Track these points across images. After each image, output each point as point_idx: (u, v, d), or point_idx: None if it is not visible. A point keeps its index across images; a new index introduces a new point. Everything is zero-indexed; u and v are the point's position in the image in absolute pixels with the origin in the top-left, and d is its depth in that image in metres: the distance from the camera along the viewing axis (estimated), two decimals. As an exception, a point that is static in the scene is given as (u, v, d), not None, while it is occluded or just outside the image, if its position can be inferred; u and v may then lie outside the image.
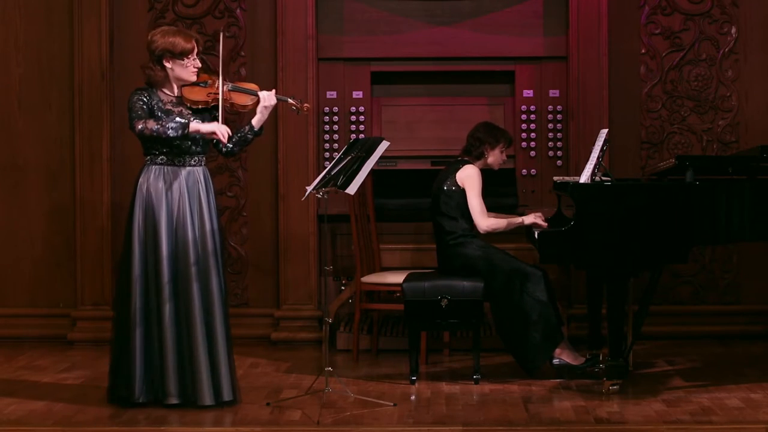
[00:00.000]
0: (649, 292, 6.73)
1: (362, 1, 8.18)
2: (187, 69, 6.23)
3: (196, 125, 6.12)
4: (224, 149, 6.33)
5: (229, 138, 6.24)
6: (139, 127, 6.12)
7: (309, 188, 6.43)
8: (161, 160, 6.23)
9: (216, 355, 6.16)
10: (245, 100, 6.30)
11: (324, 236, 8.05)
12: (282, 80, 8.06)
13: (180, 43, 6.20)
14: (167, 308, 6.11)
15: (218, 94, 6.21)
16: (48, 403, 6.32)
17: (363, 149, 6.47)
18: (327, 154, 8.15)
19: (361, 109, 8.18)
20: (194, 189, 6.23)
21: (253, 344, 8.00)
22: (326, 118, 8.18)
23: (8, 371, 7.25)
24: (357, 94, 8.19)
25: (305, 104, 6.47)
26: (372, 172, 6.83)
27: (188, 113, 6.22)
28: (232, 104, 6.28)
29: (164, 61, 6.21)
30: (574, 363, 6.94)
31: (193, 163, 6.26)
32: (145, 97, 6.20)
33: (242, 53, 8.16)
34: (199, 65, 6.29)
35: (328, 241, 8.09)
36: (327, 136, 8.18)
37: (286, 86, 8.01)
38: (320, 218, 8.06)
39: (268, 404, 6.27)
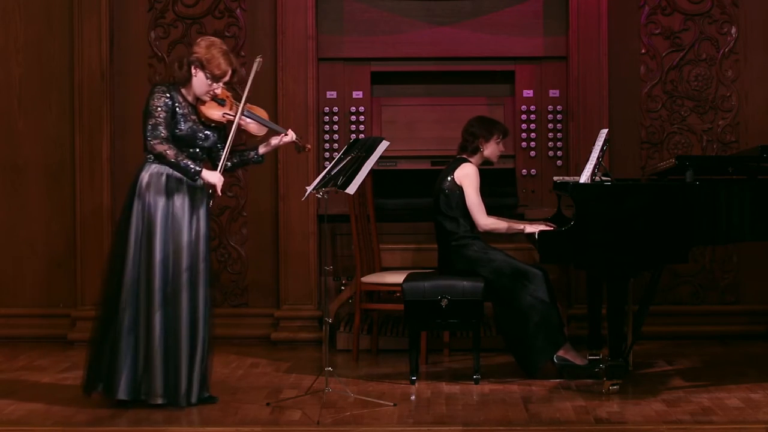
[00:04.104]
0: (649, 292, 6.74)
1: (362, 1, 8.18)
2: (205, 88, 6.21)
3: (205, 174, 6.15)
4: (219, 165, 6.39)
5: (231, 156, 6.34)
6: (160, 150, 6.09)
7: (309, 188, 6.43)
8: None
9: (194, 358, 6.17)
10: (257, 131, 6.36)
11: (324, 236, 8.04)
12: (282, 80, 8.07)
13: (215, 66, 6.17)
14: (157, 315, 6.11)
15: (233, 115, 6.25)
16: (48, 403, 6.32)
17: (363, 149, 6.48)
18: (327, 154, 8.15)
19: (361, 109, 8.18)
20: (195, 192, 6.24)
21: (253, 344, 8.00)
22: (326, 118, 8.17)
23: (8, 371, 7.25)
24: (357, 94, 8.19)
25: (308, 145, 6.56)
26: (372, 172, 6.83)
27: (200, 130, 6.24)
28: (246, 130, 6.35)
29: (193, 68, 6.21)
30: (577, 363, 6.93)
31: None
32: (167, 98, 6.16)
33: (242, 53, 8.16)
34: (218, 93, 6.26)
35: (328, 241, 8.08)
36: (327, 136, 8.18)
37: (286, 86, 8.02)
38: (320, 218, 8.06)
39: (268, 404, 6.27)
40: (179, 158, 6.11)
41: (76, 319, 8.15)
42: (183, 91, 6.24)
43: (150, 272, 6.13)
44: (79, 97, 8.12)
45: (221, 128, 6.33)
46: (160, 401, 6.14)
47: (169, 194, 6.18)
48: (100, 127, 8.11)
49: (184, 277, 6.15)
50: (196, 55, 6.20)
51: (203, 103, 6.25)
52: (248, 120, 6.32)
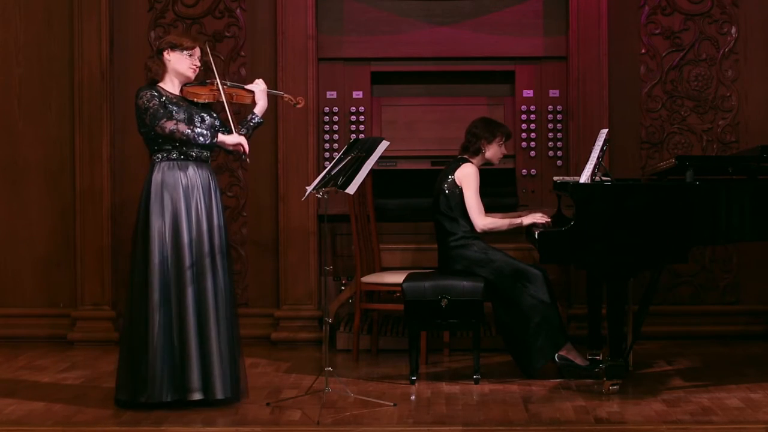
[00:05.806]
0: (649, 292, 6.74)
1: (362, 1, 8.18)
2: (185, 62, 6.29)
3: (221, 137, 6.25)
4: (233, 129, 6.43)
5: (238, 128, 6.42)
6: (171, 127, 6.15)
7: (309, 188, 6.43)
8: (175, 155, 6.24)
9: (225, 350, 6.17)
10: (244, 95, 6.43)
11: (324, 236, 8.04)
12: (282, 80, 8.06)
13: (184, 40, 6.32)
14: (189, 292, 6.12)
15: (220, 91, 6.31)
16: (48, 403, 6.32)
17: (363, 149, 6.48)
18: (327, 154, 8.15)
19: (361, 109, 8.18)
20: (206, 184, 6.28)
21: (253, 344, 8.00)
22: (326, 118, 8.17)
23: (8, 371, 7.25)
24: (357, 94, 8.19)
25: (299, 97, 6.65)
26: (372, 172, 6.84)
27: (193, 108, 6.28)
28: (237, 97, 6.40)
29: (164, 53, 6.28)
30: (578, 363, 6.93)
31: (203, 158, 6.30)
32: (154, 93, 6.24)
33: (242, 53, 8.16)
34: (199, 65, 6.35)
35: (328, 241, 8.08)
36: (327, 136, 8.18)
37: (286, 86, 8.01)
38: (320, 218, 8.06)
39: (268, 404, 6.27)
40: (193, 129, 6.17)
41: (76, 319, 8.15)
42: (162, 85, 6.31)
43: (179, 257, 6.14)
44: (79, 97, 8.12)
45: (216, 110, 6.38)
46: (198, 397, 6.14)
47: (185, 189, 6.20)
48: (100, 127, 8.12)
49: (206, 261, 6.18)
50: (164, 40, 6.36)
51: (189, 86, 6.33)
52: (232, 89, 6.40)
